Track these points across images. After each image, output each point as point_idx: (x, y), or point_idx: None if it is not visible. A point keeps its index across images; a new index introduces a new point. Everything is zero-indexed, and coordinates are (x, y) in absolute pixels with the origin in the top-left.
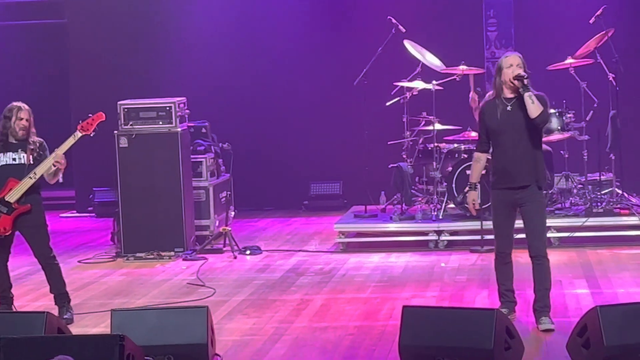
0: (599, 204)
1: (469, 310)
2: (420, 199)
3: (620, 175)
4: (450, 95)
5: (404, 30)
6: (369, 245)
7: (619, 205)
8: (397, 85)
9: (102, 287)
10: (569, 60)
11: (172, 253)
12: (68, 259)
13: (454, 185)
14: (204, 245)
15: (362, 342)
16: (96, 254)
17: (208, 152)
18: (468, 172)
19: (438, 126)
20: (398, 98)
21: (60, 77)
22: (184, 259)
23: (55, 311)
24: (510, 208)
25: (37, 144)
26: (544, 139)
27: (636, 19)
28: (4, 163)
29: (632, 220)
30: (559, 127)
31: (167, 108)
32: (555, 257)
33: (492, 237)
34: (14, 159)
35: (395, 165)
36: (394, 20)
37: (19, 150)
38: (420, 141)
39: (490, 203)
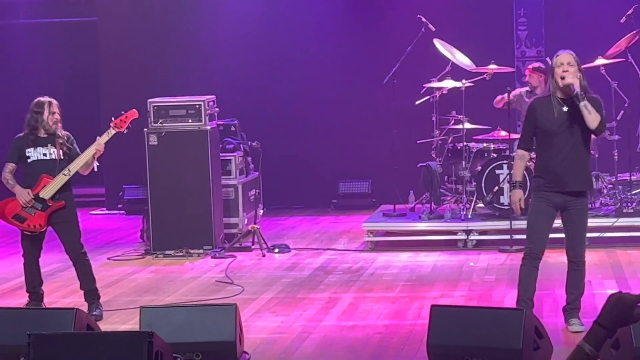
0: (629, 204)
1: (497, 310)
2: (449, 198)
3: None
4: (480, 95)
5: (433, 29)
6: (397, 244)
7: None
8: (427, 85)
9: (131, 284)
10: (600, 60)
11: (201, 251)
12: (97, 256)
13: (483, 185)
14: (233, 243)
15: (390, 341)
16: (125, 251)
17: (237, 150)
18: (497, 171)
19: (467, 125)
20: (427, 97)
21: (90, 75)
22: (212, 257)
23: (84, 308)
24: (553, 210)
25: (65, 138)
26: None
27: None
28: (35, 159)
29: None
30: None
31: (197, 106)
32: (585, 257)
33: (521, 237)
34: (45, 155)
35: (424, 164)
36: (423, 19)
37: (49, 145)
38: (450, 140)
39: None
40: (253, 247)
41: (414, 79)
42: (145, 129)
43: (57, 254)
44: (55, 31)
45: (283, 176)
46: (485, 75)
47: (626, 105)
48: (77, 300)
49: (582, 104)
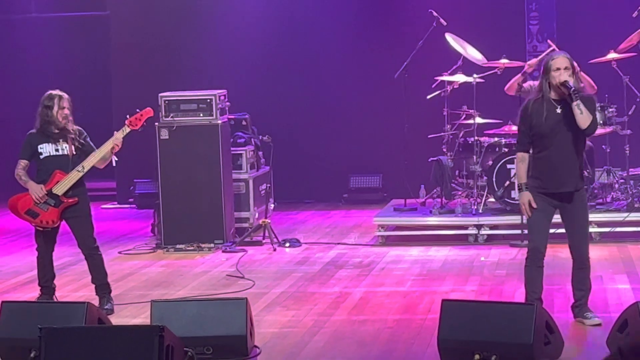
0: None
1: (508, 305)
2: (460, 192)
3: None
4: (491, 89)
5: (445, 23)
6: (408, 239)
7: None
8: (438, 79)
9: (142, 278)
10: (612, 55)
11: (212, 245)
12: (108, 250)
13: (494, 179)
14: (244, 237)
15: (400, 336)
16: (136, 245)
17: (248, 144)
18: (509, 166)
19: (479, 120)
20: (439, 91)
21: (102, 69)
22: (223, 251)
23: (95, 302)
24: (551, 208)
25: (77, 133)
26: None
27: None
28: (48, 154)
29: None
30: (601, 122)
31: (208, 100)
32: (596, 252)
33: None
34: (57, 150)
35: (435, 158)
36: (435, 14)
37: (60, 140)
38: (461, 135)
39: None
40: (264, 241)
41: (426, 74)
42: (157, 123)
43: (69, 247)
44: (67, 25)
45: (294, 170)
46: (496, 70)
47: (638, 99)
48: (88, 294)
49: (575, 103)
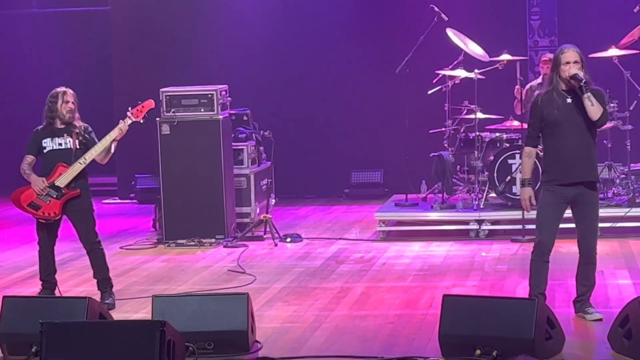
0: None
1: (509, 300)
2: (461, 188)
3: None
4: (492, 84)
5: (446, 18)
6: (409, 234)
7: None
8: (439, 74)
9: (144, 273)
10: (613, 50)
11: (213, 240)
12: (110, 245)
13: (495, 175)
14: (245, 232)
15: (402, 331)
16: (138, 241)
17: (249, 139)
18: (510, 161)
19: (480, 115)
20: (440, 86)
21: (103, 64)
22: (224, 246)
23: (97, 297)
24: (563, 204)
25: (83, 128)
26: None
27: None
28: (51, 148)
29: None
30: None
31: (209, 95)
32: (597, 247)
33: (534, 227)
34: (61, 144)
35: (436, 154)
36: (436, 9)
37: (65, 135)
38: (462, 130)
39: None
40: (265, 236)
41: (427, 69)
42: (158, 119)
43: (70, 242)
44: (68, 21)
45: (295, 166)
46: (498, 65)
47: (639, 95)
48: (89, 289)
49: (585, 95)
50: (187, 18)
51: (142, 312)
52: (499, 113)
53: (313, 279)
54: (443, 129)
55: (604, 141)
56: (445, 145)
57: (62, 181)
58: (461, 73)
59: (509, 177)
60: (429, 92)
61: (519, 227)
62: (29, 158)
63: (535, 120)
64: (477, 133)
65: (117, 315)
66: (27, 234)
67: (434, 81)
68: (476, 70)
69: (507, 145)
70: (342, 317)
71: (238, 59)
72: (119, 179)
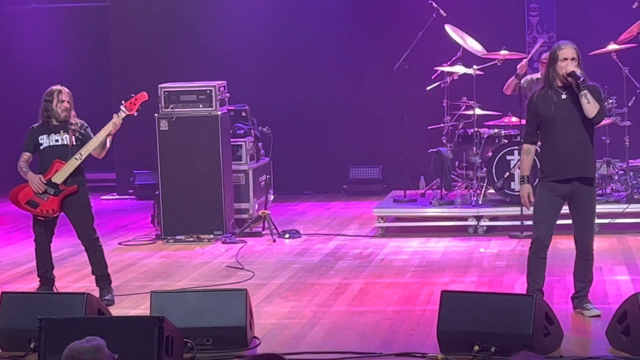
0: None
1: (507, 296)
2: (459, 184)
3: None
4: (491, 80)
5: (445, 14)
6: (407, 230)
7: None
8: (438, 70)
9: (142, 269)
10: (612, 46)
11: (212, 236)
12: (108, 241)
13: (494, 171)
14: (243, 228)
15: (400, 327)
16: (136, 236)
17: (248, 135)
18: (508, 157)
19: (478, 111)
20: (438, 83)
21: (101, 60)
22: (223, 242)
23: (95, 293)
24: (560, 200)
25: (79, 125)
26: None
27: None
28: (48, 145)
29: None
30: None
31: (208, 91)
32: (595, 243)
33: (532, 223)
34: (57, 140)
35: (435, 150)
36: (435, 5)
37: (61, 131)
38: (461, 126)
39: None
40: (263, 232)
41: (425, 65)
42: (156, 114)
43: (69, 238)
44: (67, 16)
45: (294, 162)
46: (496, 61)
47: (638, 91)
48: (88, 285)
49: (582, 93)
50: (186, 14)
51: (140, 308)
52: (497, 109)
53: (311, 274)
54: (441, 125)
55: (603, 137)
56: (444, 141)
57: (59, 178)
58: (460, 69)
59: (507, 173)
60: (428, 88)
61: (518, 223)
62: (26, 155)
63: (532, 117)
64: (476, 129)
65: (115, 311)
66: (25, 230)
67: (433, 77)
68: (475, 67)
69: (506, 141)
70: (341, 313)
71: (237, 55)
72: (118, 175)
